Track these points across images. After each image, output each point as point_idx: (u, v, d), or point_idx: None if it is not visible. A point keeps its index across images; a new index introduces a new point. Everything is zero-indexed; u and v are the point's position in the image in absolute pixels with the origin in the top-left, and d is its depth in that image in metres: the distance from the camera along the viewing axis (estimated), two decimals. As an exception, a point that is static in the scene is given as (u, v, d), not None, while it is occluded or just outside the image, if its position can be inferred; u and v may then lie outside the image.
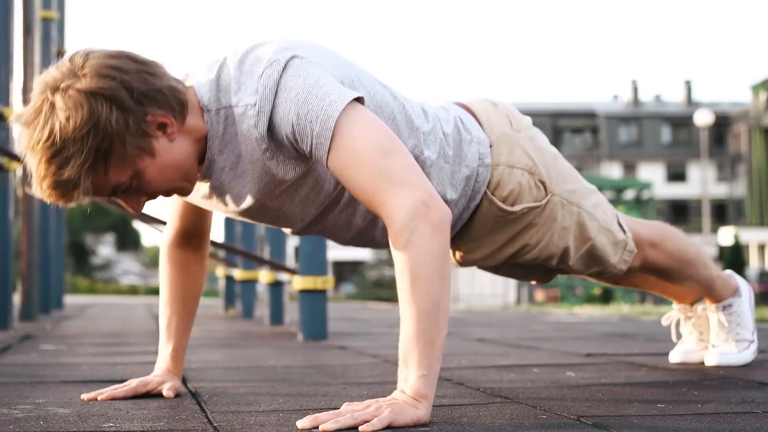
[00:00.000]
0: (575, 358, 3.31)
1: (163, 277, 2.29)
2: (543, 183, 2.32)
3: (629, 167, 59.49)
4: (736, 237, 34.97)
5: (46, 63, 7.72)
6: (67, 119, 1.73)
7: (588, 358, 3.31)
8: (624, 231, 2.48)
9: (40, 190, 1.80)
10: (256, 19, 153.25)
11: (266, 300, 6.45)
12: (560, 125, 61.61)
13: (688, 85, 62.49)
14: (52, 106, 1.76)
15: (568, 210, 2.36)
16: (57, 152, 1.75)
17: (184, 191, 1.96)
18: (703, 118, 32.58)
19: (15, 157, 5.27)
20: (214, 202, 2.07)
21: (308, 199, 2.04)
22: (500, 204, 2.28)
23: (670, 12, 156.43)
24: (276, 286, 6.33)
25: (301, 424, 1.68)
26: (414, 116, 2.12)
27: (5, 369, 3.00)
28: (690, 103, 61.46)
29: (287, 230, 2.23)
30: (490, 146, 2.28)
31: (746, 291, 2.79)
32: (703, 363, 2.84)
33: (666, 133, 60.30)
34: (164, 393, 2.18)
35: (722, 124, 57.32)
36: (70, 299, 15.58)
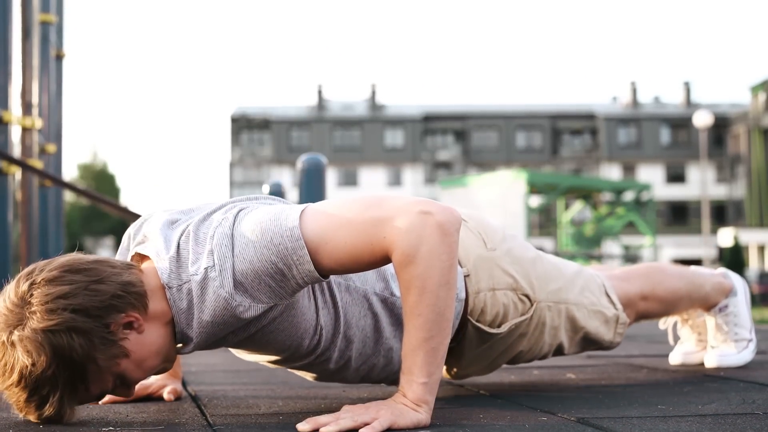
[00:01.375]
0: (575, 360, 3.31)
1: None
2: (527, 296, 2.26)
3: (628, 169, 59.52)
4: (735, 238, 34.97)
5: (44, 66, 7.72)
6: (33, 364, 1.68)
7: (588, 360, 3.31)
8: (613, 303, 2.46)
9: (30, 419, 1.80)
10: (255, 22, 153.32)
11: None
12: (559, 127, 61.64)
13: (687, 87, 62.54)
14: (13, 348, 1.70)
15: (555, 310, 2.33)
16: (32, 392, 1.72)
17: (166, 369, 1.91)
18: (702, 120, 32.59)
19: (14, 161, 5.27)
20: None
21: (284, 345, 1.95)
22: (486, 329, 2.22)
23: (668, 13, 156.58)
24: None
25: (301, 427, 1.67)
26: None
27: (5, 373, 2.99)
28: (689, 104, 61.49)
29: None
30: (467, 276, 2.20)
31: (741, 289, 2.78)
32: (703, 364, 2.84)
33: (665, 135, 60.33)
34: (164, 396, 2.18)
35: (721, 125, 57.37)
36: (70, 303, 15.55)
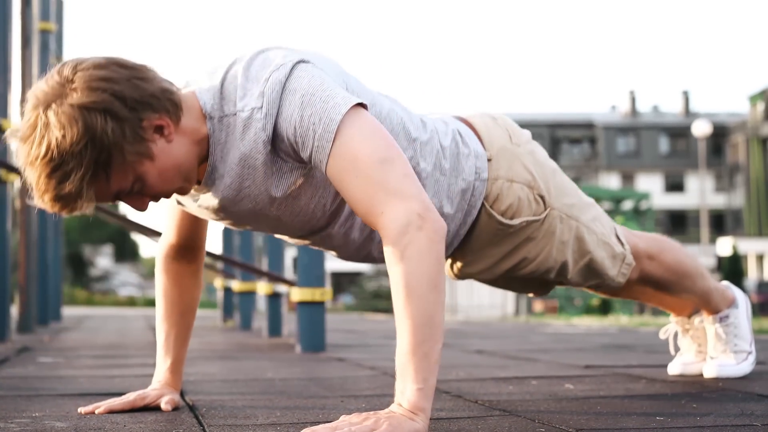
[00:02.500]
0: (574, 370, 3.30)
1: (159, 290, 2.29)
2: (542, 197, 2.33)
3: (627, 178, 59.53)
4: (734, 247, 34.94)
5: (44, 74, 7.73)
6: (63, 136, 1.72)
7: (587, 370, 3.30)
8: (622, 244, 2.48)
9: (42, 202, 1.80)
10: (257, 31, 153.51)
11: (264, 311, 6.44)
12: (558, 136, 61.66)
13: (686, 96, 62.59)
14: (46, 122, 1.74)
15: (566, 224, 2.37)
16: (56, 167, 1.74)
17: (184, 191, 1.95)
18: (701, 129, 32.63)
19: (13, 169, 5.27)
20: (211, 211, 2.07)
21: (306, 209, 2.04)
22: (499, 217, 2.29)
23: (667, 23, 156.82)
24: (274, 298, 6.33)
25: (298, 437, 1.67)
26: (412, 128, 2.13)
27: (2, 382, 2.99)
28: (688, 113, 61.53)
29: (285, 238, 2.23)
30: (489, 160, 2.28)
31: (743, 302, 2.79)
32: (701, 375, 2.84)
33: (664, 144, 60.36)
34: (162, 406, 2.17)
35: (720, 135, 57.40)
36: (68, 311, 15.56)
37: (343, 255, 2.28)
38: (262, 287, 6.48)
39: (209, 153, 1.92)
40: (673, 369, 2.93)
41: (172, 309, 2.28)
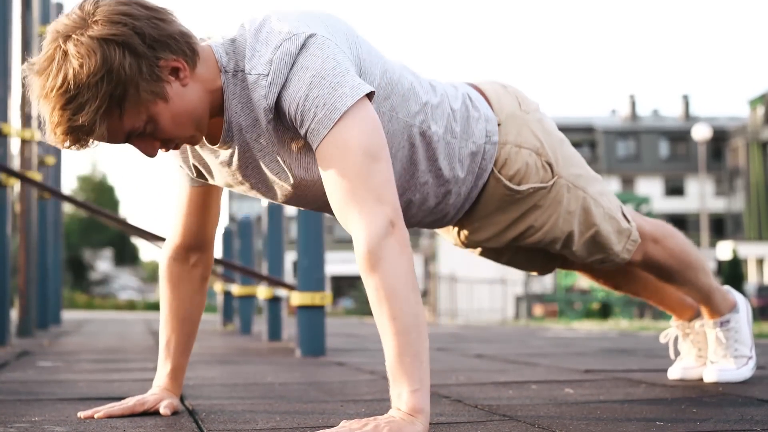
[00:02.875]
0: (574, 375, 3.30)
1: (163, 294, 2.28)
2: (549, 164, 2.34)
3: (627, 182, 59.53)
4: (734, 251, 34.92)
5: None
6: (81, 66, 1.73)
7: (587, 375, 3.30)
8: (628, 221, 2.49)
9: (54, 136, 1.80)
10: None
11: (264, 315, 6.44)
12: (558, 140, 61.64)
13: (686, 100, 62.60)
14: (65, 53, 1.75)
15: (573, 194, 2.38)
16: (71, 99, 1.74)
17: (195, 140, 1.95)
18: (701, 133, 32.64)
19: (13, 173, 5.28)
20: (232, 170, 2.06)
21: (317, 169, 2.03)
22: (507, 182, 2.31)
23: (667, 27, 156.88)
24: (274, 302, 6.33)
25: (298, 442, 1.67)
26: (422, 91, 2.15)
27: (2, 386, 2.99)
28: (688, 117, 61.54)
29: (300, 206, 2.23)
30: (498, 125, 2.31)
31: (744, 307, 2.79)
32: (702, 379, 2.84)
33: (664, 148, 60.38)
34: (161, 411, 2.17)
35: (720, 139, 57.41)
36: (68, 315, 15.55)
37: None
38: (262, 291, 6.48)
39: (225, 108, 1.93)
40: (673, 373, 2.93)
41: (173, 315, 2.27)
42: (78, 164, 69.23)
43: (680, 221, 58.81)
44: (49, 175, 8.15)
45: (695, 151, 56.58)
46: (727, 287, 2.83)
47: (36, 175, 6.36)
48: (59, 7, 9.11)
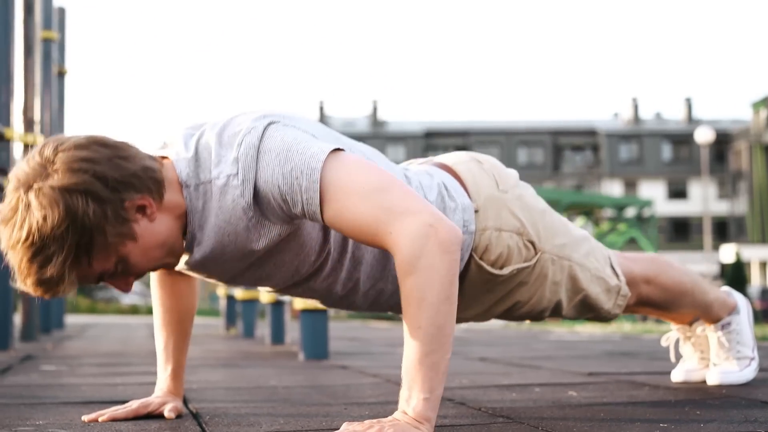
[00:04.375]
0: (577, 378, 3.30)
1: (156, 301, 2.29)
2: (532, 243, 2.29)
3: (630, 185, 59.53)
4: (737, 254, 34.92)
5: (46, 83, 7.73)
6: (44, 218, 1.70)
7: (590, 377, 3.30)
8: (617, 275, 2.46)
9: (25, 286, 1.78)
10: (256, 38, 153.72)
11: (267, 319, 6.44)
12: (561, 143, 61.68)
13: (689, 103, 62.61)
14: (27, 204, 1.72)
15: (558, 265, 2.34)
16: (38, 251, 1.72)
17: (170, 266, 1.95)
18: (703, 136, 32.64)
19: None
20: (196, 271, 2.05)
21: (291, 265, 2.01)
22: (489, 268, 2.25)
23: (670, 29, 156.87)
24: (277, 306, 6.33)
25: (302, 445, 1.67)
26: None
27: (6, 390, 2.99)
28: (690, 120, 61.56)
29: (268, 290, 2.20)
30: (476, 211, 2.24)
31: (744, 308, 2.79)
32: (705, 382, 2.84)
33: (667, 151, 60.38)
34: (165, 414, 2.17)
35: (723, 142, 57.41)
36: (71, 319, 15.56)
37: (327, 304, 2.27)
38: (265, 295, 6.48)
39: (188, 222, 1.89)
40: (677, 376, 2.93)
41: (169, 317, 2.28)
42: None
43: (683, 224, 58.81)
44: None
45: (698, 154, 56.57)
46: (726, 288, 2.83)
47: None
48: (61, 12, 9.13)
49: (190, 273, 2.09)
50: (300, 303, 4.53)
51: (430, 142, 61.62)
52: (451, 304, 1.74)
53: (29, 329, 6.60)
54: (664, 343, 2.98)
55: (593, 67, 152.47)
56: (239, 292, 7.95)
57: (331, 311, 13.24)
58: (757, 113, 55.84)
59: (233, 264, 1.97)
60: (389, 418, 1.74)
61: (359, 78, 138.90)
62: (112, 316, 25.68)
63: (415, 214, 1.74)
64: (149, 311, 31.77)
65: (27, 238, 1.71)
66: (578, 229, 2.46)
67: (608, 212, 28.72)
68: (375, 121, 62.46)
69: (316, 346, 4.57)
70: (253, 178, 1.81)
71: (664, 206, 56.76)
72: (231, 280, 2.07)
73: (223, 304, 9.50)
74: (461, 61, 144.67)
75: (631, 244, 31.91)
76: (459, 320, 2.42)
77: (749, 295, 31.53)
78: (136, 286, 62.72)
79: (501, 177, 2.33)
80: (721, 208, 58.37)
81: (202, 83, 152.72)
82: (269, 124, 1.86)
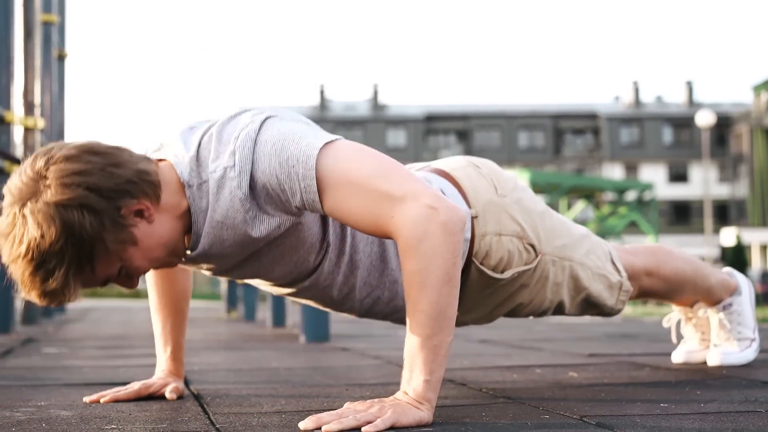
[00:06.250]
0: (578, 359, 3.31)
1: (150, 285, 2.28)
2: (532, 246, 2.27)
3: (631, 168, 59.50)
4: (738, 237, 34.95)
5: (46, 66, 7.72)
6: (42, 235, 1.70)
7: (591, 359, 3.30)
8: (618, 271, 2.46)
9: (30, 297, 1.78)
10: (257, 22, 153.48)
11: (268, 302, 6.45)
12: (562, 126, 61.61)
13: (690, 86, 62.52)
14: (24, 219, 1.71)
15: (559, 266, 2.34)
16: (39, 266, 1.72)
17: (173, 264, 1.95)
18: (704, 119, 32.60)
19: (17, 161, 5.28)
20: (197, 266, 2.04)
21: (289, 260, 2.00)
22: (490, 273, 2.23)
23: (671, 13, 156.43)
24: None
25: (303, 425, 1.67)
26: None
27: (8, 372, 3.00)
28: (691, 103, 61.48)
29: (262, 286, 2.19)
30: (476, 217, 2.22)
31: (746, 288, 2.79)
32: (705, 363, 2.84)
33: (667, 134, 60.32)
34: (167, 395, 2.18)
35: (724, 125, 57.34)
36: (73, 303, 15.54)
37: (322, 306, 2.25)
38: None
39: (192, 222, 1.88)
40: (677, 357, 2.93)
41: (166, 299, 2.28)
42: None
43: (684, 207, 58.82)
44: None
45: (699, 138, 56.52)
46: (728, 269, 2.83)
47: (39, 163, 6.36)
48: (61, -5, 9.09)
49: (192, 268, 2.10)
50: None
51: (430, 125, 61.56)
52: (453, 287, 1.74)
53: (30, 313, 6.62)
54: (665, 324, 2.98)
55: (594, 50, 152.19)
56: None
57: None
58: (758, 96, 55.76)
59: (233, 257, 1.96)
60: (390, 398, 1.75)
61: (360, 62, 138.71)
62: (113, 300, 25.72)
63: (416, 197, 1.74)
64: (150, 295, 31.79)
65: (27, 254, 1.71)
66: (578, 227, 2.46)
67: (609, 196, 28.69)
68: (375, 105, 62.38)
69: (318, 329, 4.58)
70: (249, 169, 1.80)
71: (664, 189, 56.74)
72: (227, 272, 2.06)
73: (224, 287, 9.51)
74: (462, 44, 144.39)
75: (632, 227, 31.94)
76: (461, 324, 2.42)
77: (750, 278, 31.54)
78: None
79: (499, 181, 2.31)
80: (722, 191, 58.36)
81: (203, 67, 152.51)
82: (267, 118, 1.85)
